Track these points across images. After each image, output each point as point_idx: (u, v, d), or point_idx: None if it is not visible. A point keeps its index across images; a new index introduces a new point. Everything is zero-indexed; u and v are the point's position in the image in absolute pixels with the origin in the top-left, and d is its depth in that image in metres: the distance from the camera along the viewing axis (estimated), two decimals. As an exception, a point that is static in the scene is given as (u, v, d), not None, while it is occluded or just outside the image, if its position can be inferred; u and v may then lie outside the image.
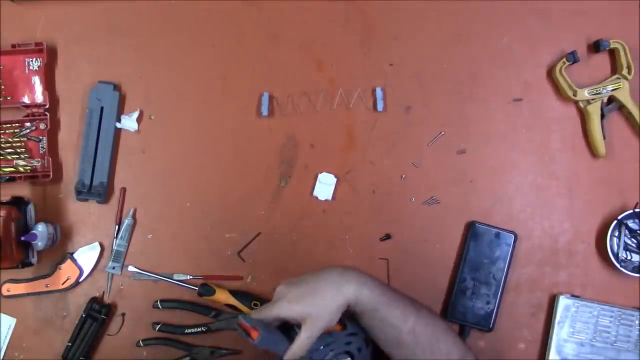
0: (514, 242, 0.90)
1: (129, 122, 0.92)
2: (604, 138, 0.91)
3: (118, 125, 0.92)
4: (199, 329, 0.90)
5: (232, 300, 0.88)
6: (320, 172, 0.90)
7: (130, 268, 0.91)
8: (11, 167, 0.91)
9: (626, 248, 0.90)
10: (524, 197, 0.93)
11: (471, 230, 0.90)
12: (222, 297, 0.89)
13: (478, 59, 0.94)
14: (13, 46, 0.91)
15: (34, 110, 0.92)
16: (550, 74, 0.93)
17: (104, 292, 0.91)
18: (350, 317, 0.74)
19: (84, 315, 0.89)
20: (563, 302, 0.89)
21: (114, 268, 0.90)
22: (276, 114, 0.94)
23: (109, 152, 0.91)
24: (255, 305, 0.89)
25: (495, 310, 0.89)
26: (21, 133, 0.92)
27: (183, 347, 0.90)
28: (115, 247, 0.91)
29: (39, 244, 0.85)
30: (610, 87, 0.91)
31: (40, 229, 0.86)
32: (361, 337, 0.74)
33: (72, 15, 0.94)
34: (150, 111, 0.94)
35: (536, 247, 0.92)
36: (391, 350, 0.73)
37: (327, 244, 0.92)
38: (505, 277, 0.89)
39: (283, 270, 0.92)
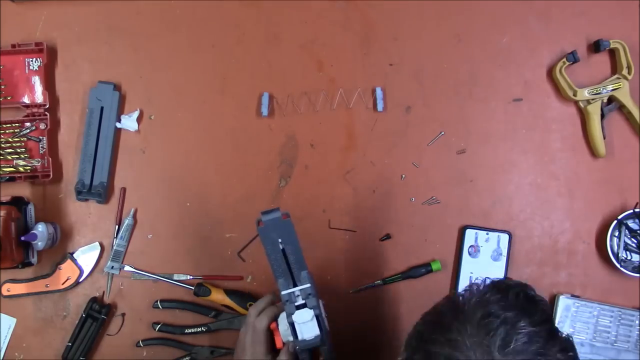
0: (509, 241, 0.90)
1: (129, 122, 0.92)
2: (604, 138, 0.91)
3: (118, 125, 0.92)
4: (199, 329, 0.90)
5: (228, 301, 0.89)
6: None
7: (127, 268, 0.91)
8: (11, 167, 0.91)
9: (626, 248, 0.90)
10: (524, 197, 0.93)
11: (463, 235, 0.90)
12: (218, 297, 0.89)
13: (478, 59, 0.94)
14: (13, 46, 0.91)
15: (34, 110, 0.92)
16: (550, 74, 0.93)
17: (103, 292, 0.91)
18: None
19: (84, 315, 0.89)
20: (563, 302, 0.89)
21: (112, 267, 0.90)
22: (276, 114, 0.94)
23: (109, 152, 0.91)
24: (250, 305, 0.89)
25: None
26: (21, 133, 0.92)
27: (183, 347, 0.90)
28: (114, 247, 0.91)
29: (39, 244, 0.85)
30: (610, 87, 0.91)
31: (40, 228, 0.86)
32: None
33: (72, 15, 0.94)
34: (150, 111, 0.94)
35: (536, 247, 0.92)
36: None
37: (327, 244, 0.92)
38: (505, 276, 0.89)
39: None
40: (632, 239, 0.90)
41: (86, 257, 0.91)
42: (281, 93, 0.94)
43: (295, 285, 0.72)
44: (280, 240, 0.71)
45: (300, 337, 0.70)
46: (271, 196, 0.92)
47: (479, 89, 0.94)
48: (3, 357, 0.90)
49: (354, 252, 0.92)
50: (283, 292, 0.71)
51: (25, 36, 0.93)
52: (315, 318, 0.70)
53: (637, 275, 0.88)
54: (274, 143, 0.93)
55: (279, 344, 0.74)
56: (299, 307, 0.71)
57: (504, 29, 0.94)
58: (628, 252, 0.90)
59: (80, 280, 0.91)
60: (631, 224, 0.90)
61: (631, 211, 0.89)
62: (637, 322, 0.88)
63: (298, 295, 0.71)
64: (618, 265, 0.88)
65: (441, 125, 0.93)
